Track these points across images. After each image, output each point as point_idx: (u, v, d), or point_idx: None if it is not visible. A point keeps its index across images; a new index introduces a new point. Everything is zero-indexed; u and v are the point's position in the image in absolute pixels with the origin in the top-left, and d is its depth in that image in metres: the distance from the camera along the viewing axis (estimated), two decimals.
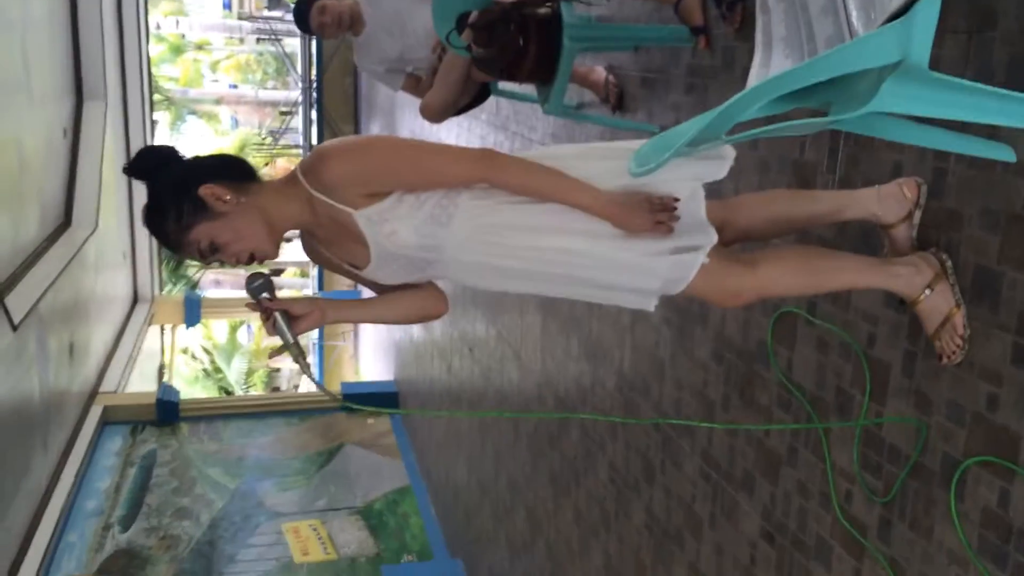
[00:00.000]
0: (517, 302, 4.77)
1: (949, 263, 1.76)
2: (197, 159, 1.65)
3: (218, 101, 24.50)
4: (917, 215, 1.84)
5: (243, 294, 1.70)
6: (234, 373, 17.72)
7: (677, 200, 1.64)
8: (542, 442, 4.40)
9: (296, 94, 17.01)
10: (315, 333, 13.55)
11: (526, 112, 4.54)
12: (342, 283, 12.25)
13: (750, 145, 2.42)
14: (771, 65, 1.59)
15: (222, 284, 21.69)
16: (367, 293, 1.91)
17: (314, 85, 14.08)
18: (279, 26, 19.90)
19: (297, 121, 17.02)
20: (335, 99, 13.69)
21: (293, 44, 18.83)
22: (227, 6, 28.89)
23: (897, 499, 1.90)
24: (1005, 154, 1.60)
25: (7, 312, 5.86)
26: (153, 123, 13.64)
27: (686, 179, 1.65)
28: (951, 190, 1.78)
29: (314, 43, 13.72)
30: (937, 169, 1.81)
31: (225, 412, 8.91)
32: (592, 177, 1.64)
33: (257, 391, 17.87)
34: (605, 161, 1.68)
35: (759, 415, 2.45)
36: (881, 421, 1.93)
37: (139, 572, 6.26)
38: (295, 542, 6.60)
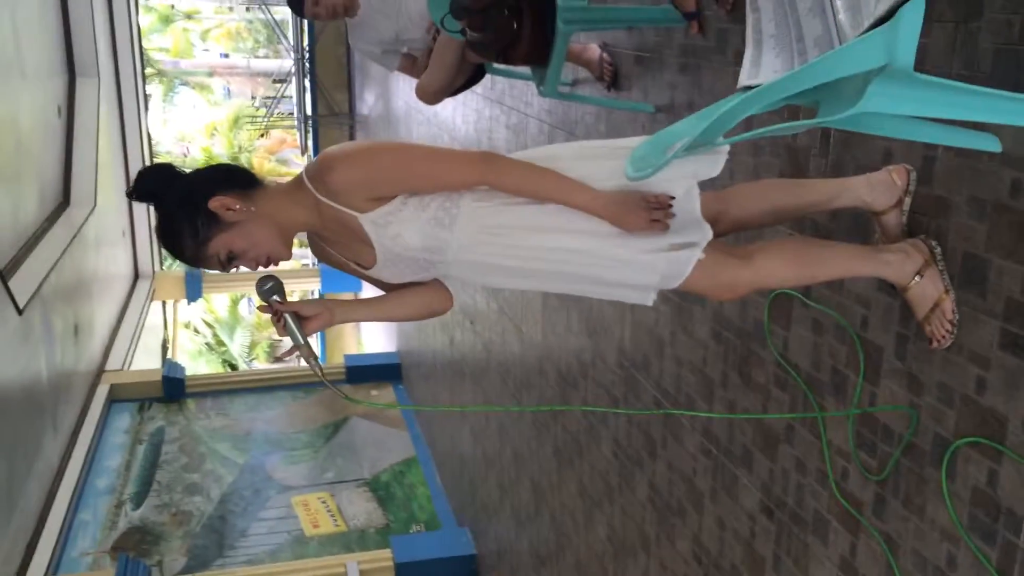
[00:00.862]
0: None
1: (938, 250, 1.80)
2: (199, 172, 1.69)
3: (210, 74, 24.31)
4: (907, 202, 1.88)
5: (244, 270, 1.74)
6: (236, 346, 17.84)
7: (672, 198, 1.68)
8: (546, 416, 4.48)
9: (288, 63, 16.89)
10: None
11: (520, 87, 4.55)
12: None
13: (743, 127, 2.45)
14: (761, 63, 1.62)
15: None
16: (370, 290, 1.96)
17: (306, 55, 13.97)
18: None
19: (291, 90, 16.91)
20: (328, 68, 13.61)
21: (284, 11, 18.65)
22: None
23: (891, 477, 1.97)
24: (990, 144, 1.64)
25: (12, 295, 5.91)
26: (146, 97, 13.58)
27: (681, 177, 1.69)
28: (939, 177, 1.82)
29: None
30: (926, 156, 1.85)
31: (231, 387, 9.00)
32: (589, 177, 1.68)
33: (260, 363, 18.01)
34: (601, 161, 1.72)
35: (757, 394, 2.50)
36: (874, 410, 1.99)
37: (152, 548, 6.38)
38: (305, 515, 6.72)
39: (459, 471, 6.69)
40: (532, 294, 4.57)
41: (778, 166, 2.36)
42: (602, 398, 3.68)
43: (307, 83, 14.10)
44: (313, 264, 14.33)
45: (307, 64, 13.93)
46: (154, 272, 11.96)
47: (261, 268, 1.70)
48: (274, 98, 19.87)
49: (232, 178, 1.68)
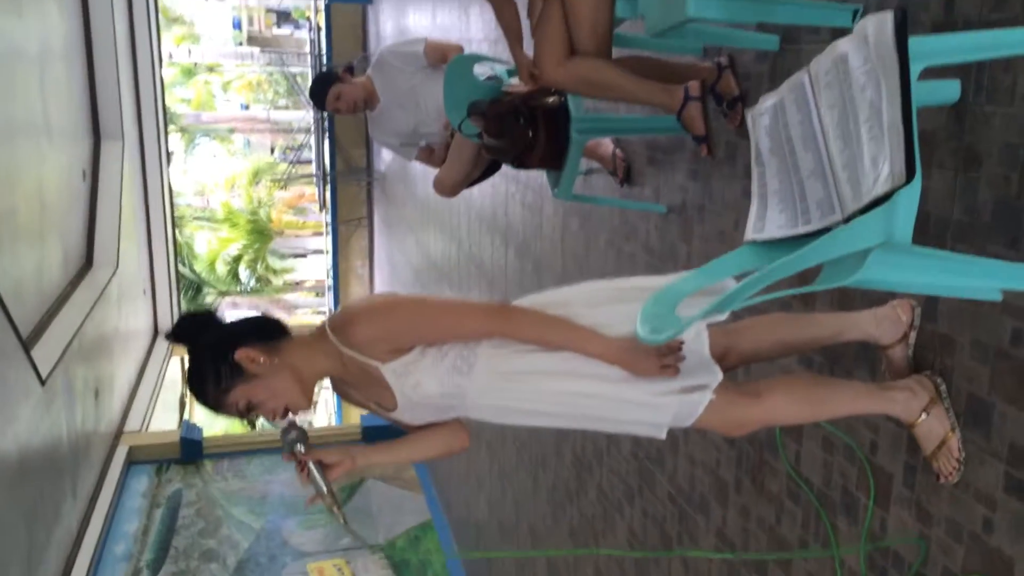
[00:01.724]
0: None
1: (943, 387, 1.85)
2: (233, 324, 1.77)
3: (231, 130, 24.75)
4: (912, 336, 1.93)
5: None
6: None
7: (682, 342, 1.74)
8: (562, 496, 4.50)
9: (307, 114, 17.18)
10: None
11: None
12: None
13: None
14: (767, 218, 1.69)
15: (239, 307, 21.89)
16: None
17: (325, 112, 14.19)
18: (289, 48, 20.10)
19: (310, 142, 17.18)
20: (346, 125, 13.81)
21: (304, 64, 19.03)
22: (236, 25, 29.17)
23: None
24: (991, 295, 1.69)
25: (35, 366, 5.99)
26: (169, 155, 13.80)
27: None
28: (944, 316, 1.87)
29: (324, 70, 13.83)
30: (930, 295, 1.90)
31: (248, 448, 9.02)
32: (600, 324, 1.74)
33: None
34: (612, 305, 1.78)
35: (770, 503, 2.54)
36: (885, 545, 2.02)
37: None
38: None
39: (475, 540, 6.68)
40: None
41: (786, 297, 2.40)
42: (617, 486, 3.71)
43: (326, 141, 14.32)
44: None
45: (326, 121, 14.16)
46: None
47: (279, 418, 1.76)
48: (294, 148, 20.19)
49: (260, 330, 1.76)
